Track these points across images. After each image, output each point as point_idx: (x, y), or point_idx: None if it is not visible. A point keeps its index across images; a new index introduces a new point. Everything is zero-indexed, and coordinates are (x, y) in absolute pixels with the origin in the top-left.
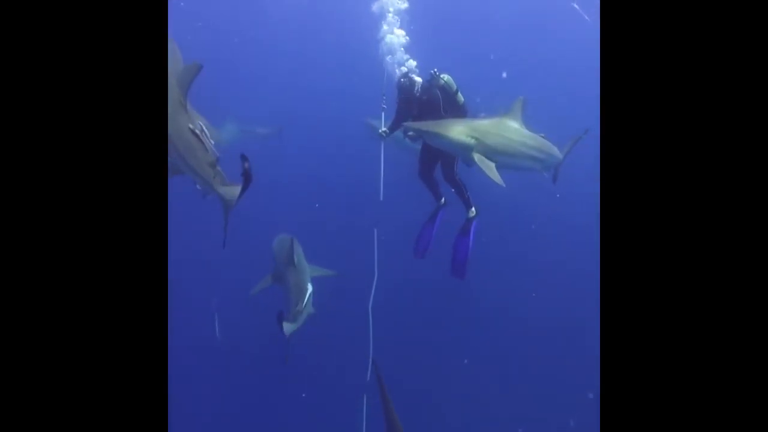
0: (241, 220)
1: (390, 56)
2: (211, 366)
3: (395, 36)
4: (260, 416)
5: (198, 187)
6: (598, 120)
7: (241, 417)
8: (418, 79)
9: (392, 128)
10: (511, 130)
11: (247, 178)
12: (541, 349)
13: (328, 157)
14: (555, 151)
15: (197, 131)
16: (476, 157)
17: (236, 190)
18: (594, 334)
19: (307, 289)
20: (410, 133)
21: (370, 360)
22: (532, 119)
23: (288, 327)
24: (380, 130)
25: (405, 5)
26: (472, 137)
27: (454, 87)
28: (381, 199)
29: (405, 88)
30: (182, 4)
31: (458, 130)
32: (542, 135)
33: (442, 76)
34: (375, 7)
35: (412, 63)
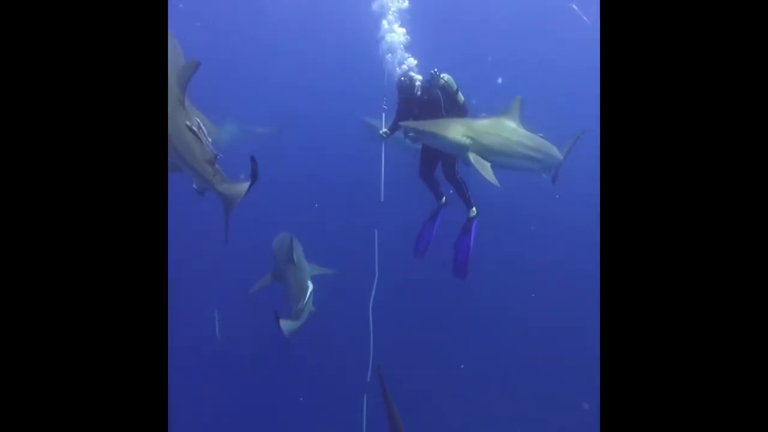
0: (243, 220)
1: (390, 54)
2: (211, 366)
3: (395, 34)
4: (260, 416)
5: (194, 185)
6: (598, 120)
7: (241, 417)
8: (418, 77)
9: (393, 129)
10: (507, 129)
11: (254, 179)
12: (542, 349)
13: (329, 157)
14: (554, 151)
15: (194, 128)
16: (471, 156)
17: (236, 187)
18: (594, 334)
19: (308, 287)
20: (410, 134)
21: (371, 360)
22: (532, 119)
23: (285, 325)
24: (381, 131)
25: (405, 5)
26: (468, 137)
27: (455, 87)
28: (382, 199)
29: (405, 87)
30: (181, 5)
31: (454, 130)
32: (541, 135)
33: (442, 75)
34: (375, 6)
35: (412, 61)
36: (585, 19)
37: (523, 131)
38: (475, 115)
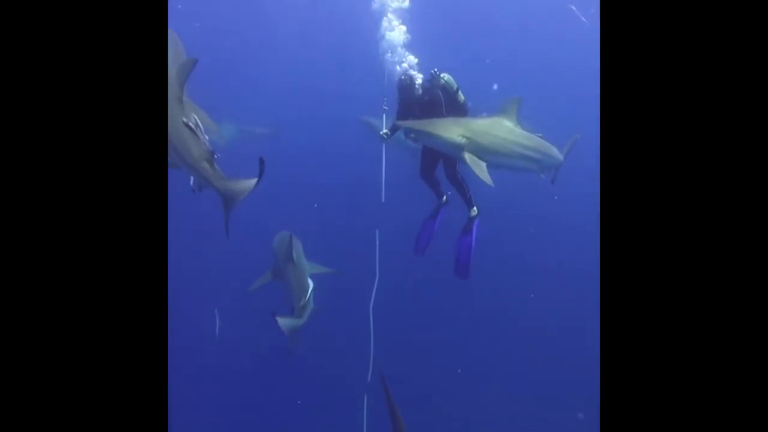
0: (243, 220)
1: (390, 53)
2: (211, 366)
3: (396, 32)
4: (260, 416)
5: (191, 184)
6: (597, 120)
7: (241, 417)
8: (419, 76)
9: (393, 130)
10: (504, 129)
11: (260, 179)
12: (542, 350)
13: (329, 157)
14: (553, 151)
15: (191, 125)
16: (467, 156)
17: (235, 185)
18: (594, 334)
19: (308, 285)
20: (412, 135)
21: (371, 360)
22: (532, 119)
23: (284, 322)
24: (381, 132)
25: (405, 4)
26: (464, 136)
27: (455, 86)
28: (383, 200)
29: (405, 86)
30: (179, 6)
31: (450, 130)
32: (539, 135)
33: (442, 75)
34: (375, 5)
35: (413, 59)
36: (583, 19)
37: (520, 131)
38: (476, 115)
